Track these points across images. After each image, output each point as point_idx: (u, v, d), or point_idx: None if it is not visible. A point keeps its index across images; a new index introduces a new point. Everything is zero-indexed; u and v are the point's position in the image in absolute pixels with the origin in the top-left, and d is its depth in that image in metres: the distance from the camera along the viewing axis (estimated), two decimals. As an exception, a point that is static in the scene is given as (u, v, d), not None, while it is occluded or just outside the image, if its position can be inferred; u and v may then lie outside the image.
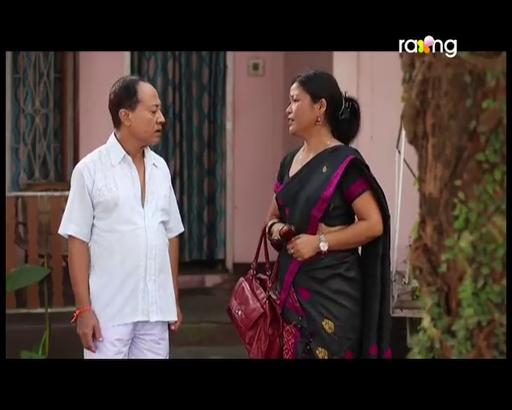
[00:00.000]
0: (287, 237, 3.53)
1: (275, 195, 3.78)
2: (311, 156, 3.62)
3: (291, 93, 3.63)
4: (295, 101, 3.60)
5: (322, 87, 3.58)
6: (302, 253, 3.49)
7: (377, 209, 3.51)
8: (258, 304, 3.67)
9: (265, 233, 3.72)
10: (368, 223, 3.50)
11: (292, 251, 3.52)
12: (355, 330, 3.50)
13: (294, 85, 3.62)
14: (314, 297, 3.51)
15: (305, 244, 3.49)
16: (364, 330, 3.51)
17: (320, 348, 3.49)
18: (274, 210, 3.78)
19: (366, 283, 3.54)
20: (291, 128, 3.64)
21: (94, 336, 3.66)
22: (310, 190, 3.53)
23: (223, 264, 8.40)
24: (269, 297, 3.67)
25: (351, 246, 3.54)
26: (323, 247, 3.47)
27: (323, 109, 3.57)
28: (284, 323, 3.61)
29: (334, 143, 3.61)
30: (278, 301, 3.63)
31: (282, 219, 3.68)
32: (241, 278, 3.84)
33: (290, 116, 3.61)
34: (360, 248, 3.61)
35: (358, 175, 3.50)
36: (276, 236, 3.60)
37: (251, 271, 3.81)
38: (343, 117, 3.60)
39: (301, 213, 3.54)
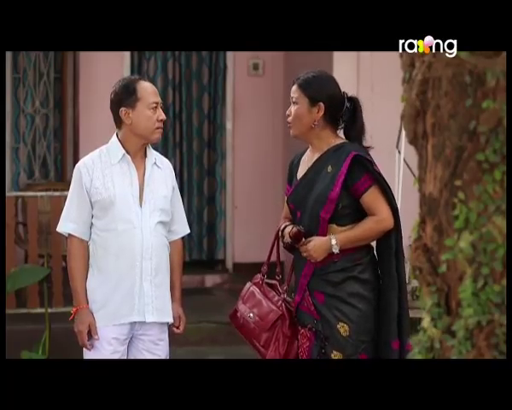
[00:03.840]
0: (296, 238, 3.53)
1: (285, 198, 3.77)
2: (316, 157, 3.61)
3: (291, 95, 3.62)
4: (294, 103, 3.59)
5: (320, 91, 3.56)
6: (315, 256, 3.49)
7: (385, 203, 3.49)
8: (274, 307, 3.64)
9: (279, 237, 3.71)
10: (377, 217, 3.49)
11: (305, 254, 3.52)
12: (369, 332, 3.50)
13: (294, 88, 3.60)
14: (329, 301, 3.50)
15: (317, 247, 3.48)
16: (384, 326, 3.49)
17: (335, 352, 3.47)
18: (286, 213, 3.77)
19: (383, 279, 3.54)
20: (291, 132, 3.64)
21: (90, 334, 3.67)
22: (317, 192, 3.52)
23: (223, 264, 8.40)
24: (284, 300, 3.65)
25: (363, 242, 3.53)
26: (335, 249, 3.46)
27: (321, 113, 3.55)
28: (299, 326, 3.59)
29: (338, 141, 3.60)
30: (293, 304, 3.62)
31: (294, 222, 3.66)
32: (249, 283, 3.80)
33: (289, 119, 3.61)
34: (375, 248, 3.60)
35: (363, 171, 3.49)
36: (287, 239, 3.60)
37: (260, 275, 3.78)
38: (344, 119, 3.59)
39: (310, 215, 3.53)
